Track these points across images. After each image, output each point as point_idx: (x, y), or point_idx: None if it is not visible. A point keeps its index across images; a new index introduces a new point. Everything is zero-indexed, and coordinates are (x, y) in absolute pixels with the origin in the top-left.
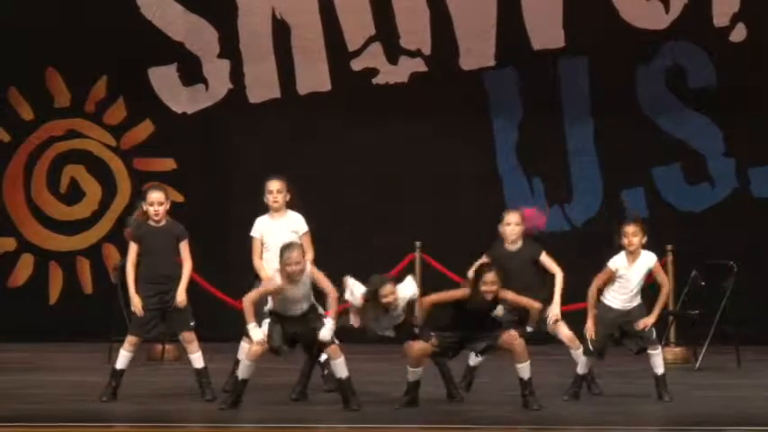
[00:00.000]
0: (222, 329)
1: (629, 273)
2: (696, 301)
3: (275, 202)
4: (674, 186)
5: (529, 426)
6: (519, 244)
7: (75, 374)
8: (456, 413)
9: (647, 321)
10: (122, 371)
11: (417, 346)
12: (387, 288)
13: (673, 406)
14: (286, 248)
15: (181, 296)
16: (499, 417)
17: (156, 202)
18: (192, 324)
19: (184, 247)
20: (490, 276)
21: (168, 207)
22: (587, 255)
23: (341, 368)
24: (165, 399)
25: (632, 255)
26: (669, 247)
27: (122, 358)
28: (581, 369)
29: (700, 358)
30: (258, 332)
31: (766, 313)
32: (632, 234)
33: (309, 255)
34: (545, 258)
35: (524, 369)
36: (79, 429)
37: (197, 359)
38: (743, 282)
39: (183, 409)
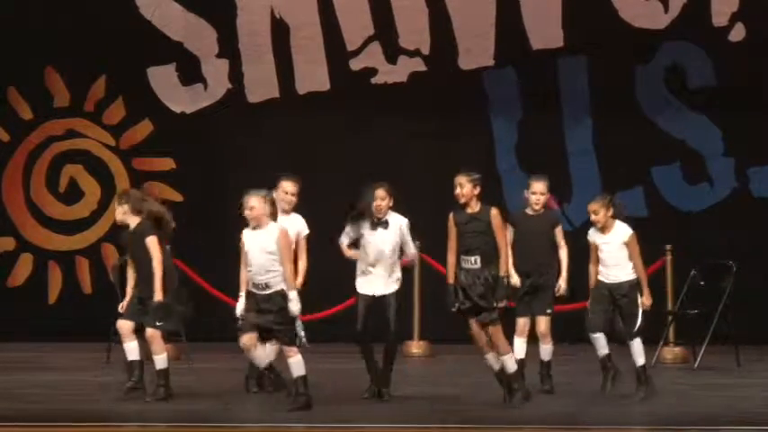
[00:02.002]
0: (221, 329)
1: (603, 245)
2: (695, 301)
3: (290, 204)
4: (674, 186)
5: (529, 426)
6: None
7: (75, 374)
8: (456, 413)
9: (646, 302)
10: (140, 361)
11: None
12: None
13: (672, 405)
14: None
15: (158, 295)
16: (499, 417)
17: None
18: (158, 324)
19: (150, 242)
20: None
21: (127, 210)
22: (586, 255)
23: (297, 367)
24: (164, 398)
25: (603, 228)
26: (668, 246)
27: (131, 349)
28: (600, 352)
29: (699, 358)
30: (239, 306)
31: (766, 313)
32: (593, 212)
33: (303, 259)
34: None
35: (508, 361)
36: (79, 429)
37: (160, 360)
38: (742, 281)
39: (182, 408)
